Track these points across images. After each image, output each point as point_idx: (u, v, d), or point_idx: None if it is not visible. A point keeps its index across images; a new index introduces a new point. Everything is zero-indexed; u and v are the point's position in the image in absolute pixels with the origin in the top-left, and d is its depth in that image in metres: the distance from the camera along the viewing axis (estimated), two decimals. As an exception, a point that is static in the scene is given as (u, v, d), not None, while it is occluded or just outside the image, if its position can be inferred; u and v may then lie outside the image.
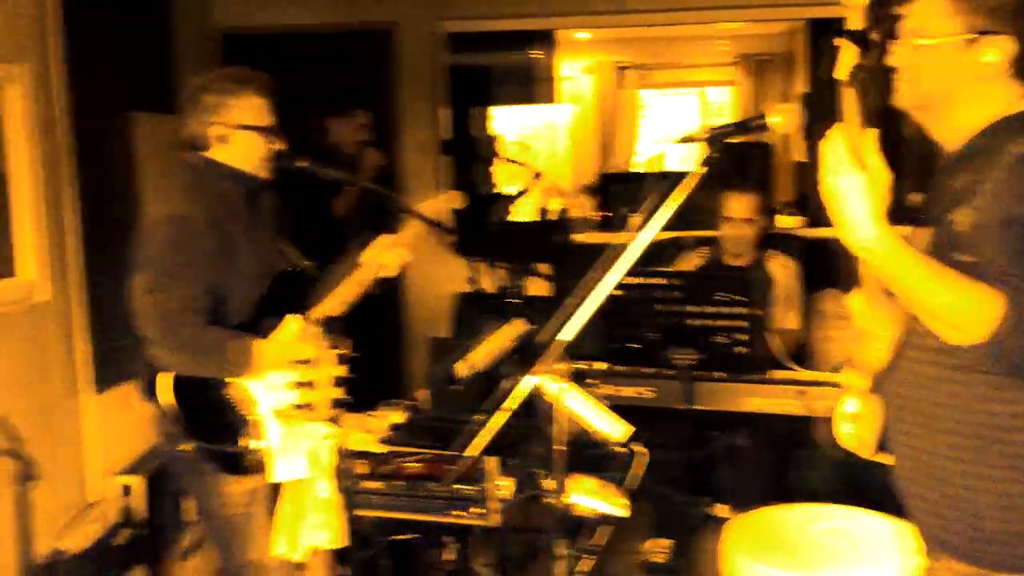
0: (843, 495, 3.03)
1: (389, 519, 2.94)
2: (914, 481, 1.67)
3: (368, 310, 2.67)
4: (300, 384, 1.88)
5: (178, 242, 2.35)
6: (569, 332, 2.08)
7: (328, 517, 1.90)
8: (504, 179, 7.02)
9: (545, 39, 6.60)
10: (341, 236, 4.45)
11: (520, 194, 6.20)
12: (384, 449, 2.79)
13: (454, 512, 3.02)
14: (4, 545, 3.15)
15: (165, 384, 2.38)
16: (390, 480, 3.02)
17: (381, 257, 2.61)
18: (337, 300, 2.52)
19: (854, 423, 1.76)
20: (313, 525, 1.86)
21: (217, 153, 2.50)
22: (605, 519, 2.20)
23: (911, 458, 1.66)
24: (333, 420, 1.90)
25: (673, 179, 1.93)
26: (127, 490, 3.85)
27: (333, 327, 1.87)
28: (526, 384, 2.05)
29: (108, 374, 3.96)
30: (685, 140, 1.90)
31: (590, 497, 2.03)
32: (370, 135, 4.49)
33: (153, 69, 4.67)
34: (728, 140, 1.81)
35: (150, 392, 2.48)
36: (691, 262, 4.08)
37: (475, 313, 4.63)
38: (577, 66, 9.07)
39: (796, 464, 4.00)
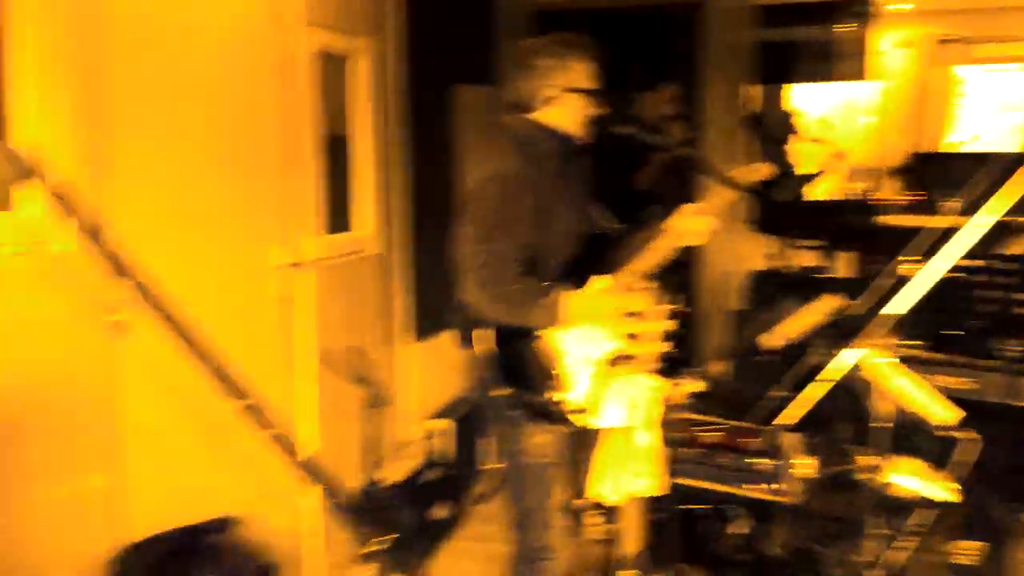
0: None
1: (679, 485, 2.99)
2: None
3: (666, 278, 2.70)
4: (627, 336, 1.95)
5: (501, 199, 2.50)
6: (899, 308, 2.00)
7: (648, 465, 1.97)
8: (805, 158, 6.77)
9: (860, 12, 6.25)
10: (642, 207, 4.52)
11: (820, 173, 5.96)
12: (682, 416, 2.84)
13: (748, 485, 3.02)
14: (352, 465, 3.53)
15: (483, 333, 2.54)
16: (686, 447, 3.06)
17: (688, 224, 2.61)
18: (642, 265, 2.55)
19: None
20: (633, 472, 1.93)
21: (543, 115, 2.63)
22: (925, 503, 2.11)
23: None
24: (657, 372, 1.96)
25: (1000, 161, 1.79)
26: (436, 433, 4.17)
27: (666, 283, 1.91)
28: (844, 360, 2.00)
29: (425, 325, 4.30)
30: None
31: (913, 478, 1.95)
32: (677, 109, 4.49)
33: (475, 44, 4.96)
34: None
35: (467, 341, 2.66)
36: (1020, 247, 3.75)
37: (773, 290, 4.53)
38: (891, 39, 8.51)
39: None
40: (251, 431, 3.27)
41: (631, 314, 1.89)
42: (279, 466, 3.35)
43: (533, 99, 2.62)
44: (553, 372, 2.51)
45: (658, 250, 2.57)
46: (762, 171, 2.66)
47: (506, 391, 2.53)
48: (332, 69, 3.74)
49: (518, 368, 2.55)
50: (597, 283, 2.55)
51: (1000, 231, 3.85)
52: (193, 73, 2.86)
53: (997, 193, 1.86)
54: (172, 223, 2.78)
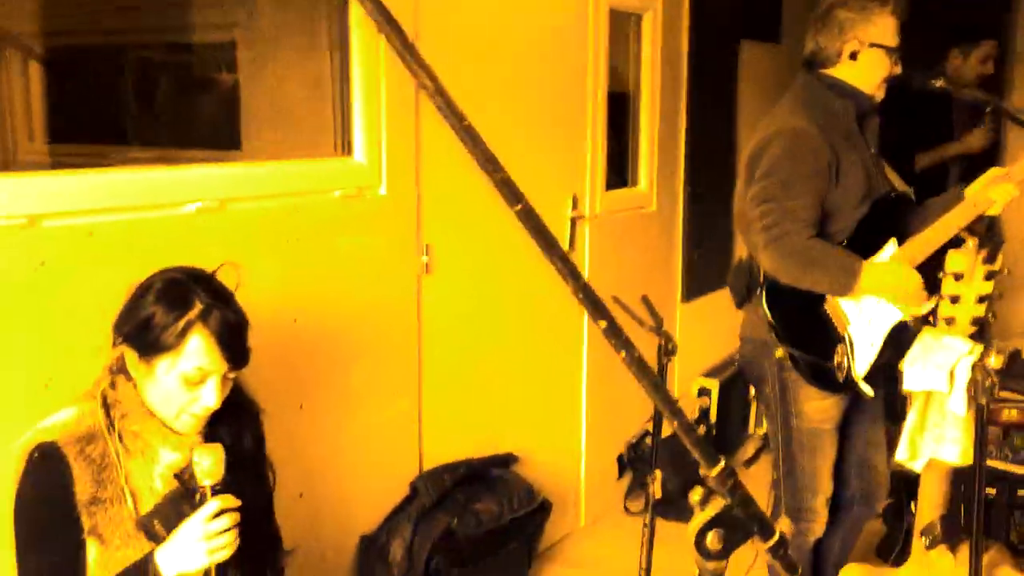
0: None
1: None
2: None
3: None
4: (946, 297, 1.86)
5: (793, 154, 2.41)
6: None
7: (959, 433, 1.89)
8: None
9: None
10: (943, 169, 4.21)
11: None
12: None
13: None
14: (627, 420, 3.62)
15: (764, 291, 2.50)
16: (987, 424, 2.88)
17: (989, 192, 2.41)
18: (938, 233, 2.40)
19: None
20: (940, 438, 1.86)
21: (841, 71, 2.51)
22: None
23: None
24: (974, 338, 1.86)
25: None
26: (705, 391, 4.18)
27: (990, 242, 1.80)
28: None
29: (697, 283, 4.30)
30: None
31: None
32: (992, 70, 4.09)
33: (762, 1, 4.82)
34: None
35: (746, 300, 2.62)
36: None
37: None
38: None
39: None
40: (541, 376, 3.43)
41: (954, 275, 1.79)
42: (557, 409, 3.52)
43: (833, 54, 2.52)
44: (840, 337, 2.44)
45: (957, 217, 2.40)
46: None
47: (784, 351, 2.49)
48: (621, 26, 3.78)
49: (805, 329, 2.50)
50: (892, 249, 2.44)
51: None
52: (498, 31, 3.00)
53: None
54: (476, 172, 2.94)
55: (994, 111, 2.67)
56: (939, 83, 2.52)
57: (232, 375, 1.61)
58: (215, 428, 1.64)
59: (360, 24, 2.47)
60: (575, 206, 3.44)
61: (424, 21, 2.65)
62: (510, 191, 0.92)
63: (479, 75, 2.93)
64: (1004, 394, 2.89)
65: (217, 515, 1.51)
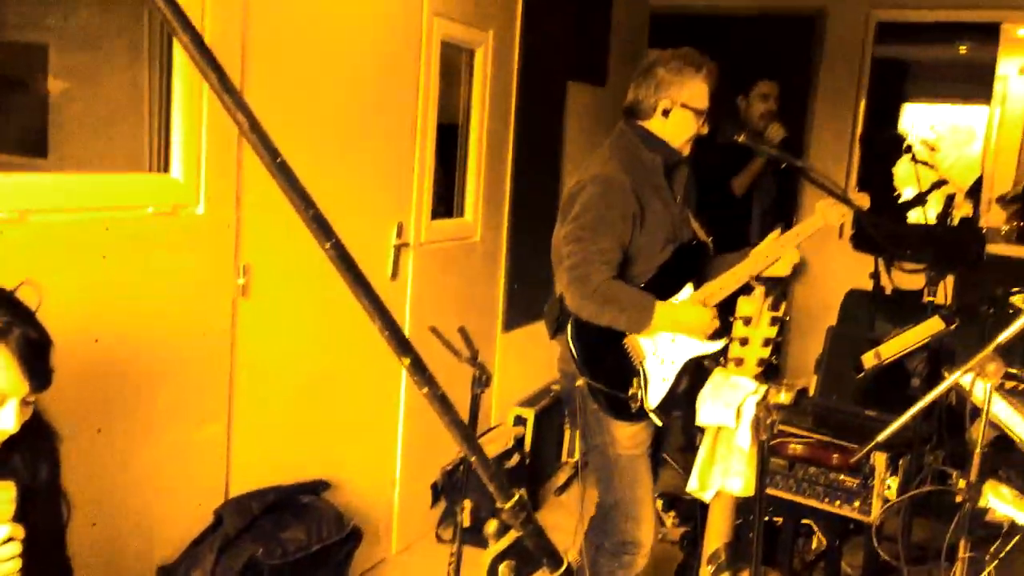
0: None
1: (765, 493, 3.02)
2: None
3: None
4: (736, 339, 2.01)
5: (602, 200, 2.58)
6: (1007, 335, 2.01)
7: (743, 466, 2.03)
8: (909, 179, 6.66)
9: (985, 32, 6.12)
10: (740, 212, 4.55)
11: (927, 192, 5.85)
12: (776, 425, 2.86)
13: (834, 502, 3.03)
14: (437, 447, 3.65)
15: (570, 325, 2.64)
16: (770, 457, 3.09)
17: (832, 210, 2.65)
18: (728, 281, 2.60)
19: None
20: (727, 471, 1.99)
21: (654, 124, 2.70)
22: (1017, 531, 2.11)
23: None
24: (758, 378, 2.01)
25: None
26: (521, 420, 4.27)
27: (775, 290, 1.97)
28: (951, 382, 2.01)
29: (517, 315, 4.40)
30: None
31: (1008, 505, 1.96)
32: (774, 105, 4.52)
33: (590, 43, 5.03)
34: None
35: (556, 332, 2.76)
36: None
37: (870, 310, 4.49)
38: (1012, 65, 8.28)
39: None
40: (357, 403, 3.40)
41: (743, 319, 1.95)
42: (373, 436, 3.50)
43: (648, 108, 2.69)
44: (637, 370, 2.60)
45: (803, 230, 2.63)
46: (861, 201, 2.69)
47: (584, 382, 2.62)
48: (452, 59, 3.85)
49: (604, 361, 2.65)
50: (689, 292, 2.63)
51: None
52: (327, 59, 2.99)
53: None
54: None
55: (781, 162, 2.90)
56: (741, 138, 2.72)
57: (32, 398, 1.53)
58: (10, 455, 1.55)
59: (184, 38, 2.41)
60: (400, 234, 3.47)
61: (253, 47, 2.62)
62: (321, 228, 0.93)
63: (309, 102, 2.92)
64: (791, 429, 3.11)
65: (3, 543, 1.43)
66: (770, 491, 3.08)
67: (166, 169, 2.46)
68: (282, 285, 2.88)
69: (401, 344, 0.97)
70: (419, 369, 0.98)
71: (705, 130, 2.70)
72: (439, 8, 3.52)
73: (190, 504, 2.65)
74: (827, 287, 5.22)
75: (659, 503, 3.97)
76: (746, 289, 2.37)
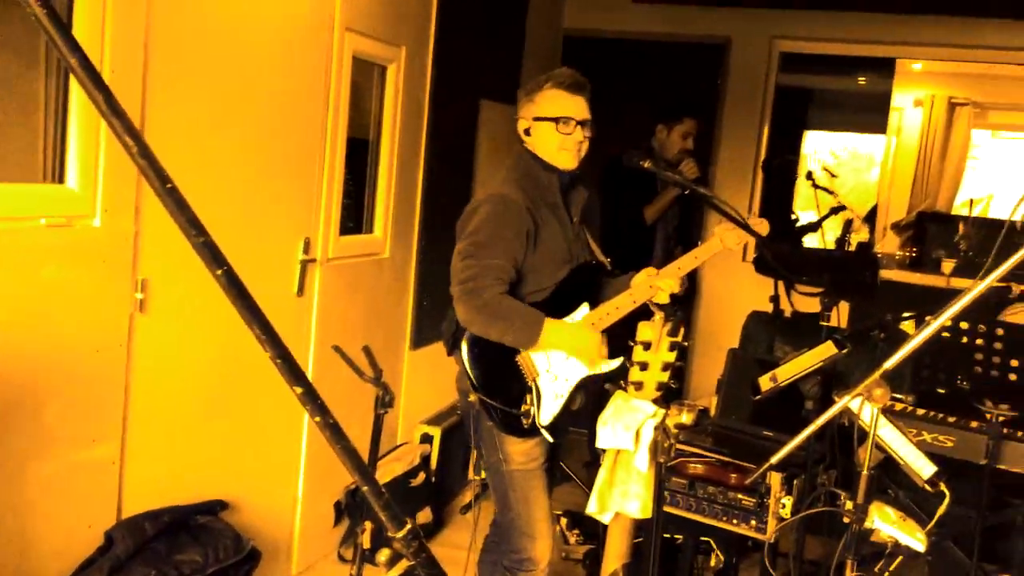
0: None
1: (664, 512, 3.07)
2: None
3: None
4: (636, 364, 2.04)
5: (496, 218, 2.62)
6: (893, 362, 2.08)
7: (641, 489, 2.06)
8: (809, 204, 6.89)
9: (882, 66, 6.39)
10: (646, 236, 4.64)
11: (824, 218, 6.06)
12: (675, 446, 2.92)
13: (731, 520, 3.10)
14: (341, 466, 3.59)
15: (465, 342, 2.66)
16: (670, 476, 3.15)
17: (733, 234, 2.73)
18: (618, 305, 2.65)
19: None
20: (625, 494, 2.02)
21: (529, 144, 2.76)
22: (900, 552, 2.19)
23: None
24: (657, 402, 2.04)
25: (1010, 228, 1.86)
26: (427, 438, 4.25)
27: (673, 316, 2.01)
28: (841, 406, 2.08)
29: (426, 332, 4.38)
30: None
31: (891, 526, 2.04)
32: (692, 144, 4.61)
33: (504, 63, 5.07)
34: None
35: (453, 348, 2.77)
36: (1018, 315, 3.85)
37: (770, 332, 4.62)
38: (908, 98, 8.66)
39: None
40: (258, 421, 3.34)
41: (642, 344, 1.99)
42: (275, 454, 3.44)
43: (521, 133, 2.76)
44: (529, 387, 2.63)
45: (701, 253, 2.69)
46: (761, 227, 2.78)
47: (483, 399, 2.64)
48: (364, 74, 3.83)
49: (497, 378, 2.67)
50: (585, 311, 2.67)
51: (999, 298, 3.98)
52: (235, 71, 2.95)
53: (996, 259, 1.94)
54: (203, 211, 2.86)
55: (685, 188, 2.97)
56: (646, 163, 2.78)
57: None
58: None
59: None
60: (307, 250, 3.42)
61: (155, 60, 2.56)
62: (212, 255, 0.92)
63: (215, 115, 2.87)
64: (691, 448, 3.17)
65: None
66: (670, 509, 3.14)
67: (61, 179, 2.38)
68: (182, 300, 2.81)
69: (293, 373, 0.96)
70: (311, 398, 0.97)
71: (581, 136, 2.71)
72: (351, 23, 3.51)
73: (80, 526, 2.56)
74: (731, 309, 5.35)
75: (563, 521, 4.00)
76: (648, 313, 2.41)
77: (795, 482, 3.08)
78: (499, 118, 4.90)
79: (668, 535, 3.77)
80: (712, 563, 3.68)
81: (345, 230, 3.78)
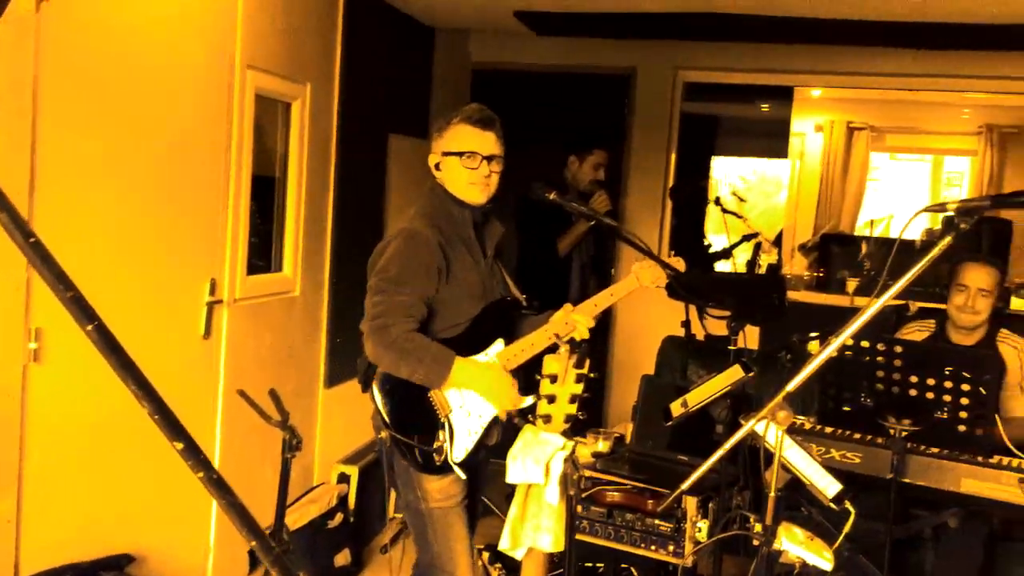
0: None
1: (580, 542, 3.07)
2: None
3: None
4: (543, 397, 2.04)
5: (406, 253, 2.61)
6: (794, 384, 2.13)
7: (552, 522, 2.05)
8: (718, 229, 7.05)
9: (781, 94, 6.60)
10: (561, 268, 4.68)
11: (735, 245, 6.21)
12: (587, 474, 2.93)
13: (649, 546, 3.12)
14: (255, 510, 3.51)
15: (377, 379, 2.63)
16: (589, 505, 3.15)
17: (650, 271, 2.76)
18: (534, 341, 2.65)
19: None
20: (537, 528, 2.01)
21: (440, 179, 2.76)
22: (809, 572, 2.23)
23: None
24: (566, 434, 2.04)
25: (907, 247, 1.93)
26: (344, 478, 4.18)
27: (579, 349, 2.02)
28: (747, 430, 2.12)
29: (341, 370, 4.32)
30: (935, 209, 1.91)
31: (799, 547, 2.07)
32: (603, 175, 4.67)
33: (412, 97, 5.07)
34: (983, 214, 1.81)
35: (366, 385, 2.74)
36: (915, 333, 3.98)
37: (683, 356, 4.68)
38: (809, 123, 8.96)
39: (1007, 556, 3.80)
40: (164, 471, 3.24)
41: (549, 377, 1.99)
42: (184, 502, 3.34)
43: (431, 168, 2.76)
44: (442, 423, 2.61)
45: (617, 291, 2.70)
46: (677, 264, 2.82)
47: (396, 437, 2.62)
48: (268, 112, 3.79)
49: (408, 416, 2.64)
50: (499, 348, 2.67)
51: (898, 316, 4.11)
52: (131, 109, 2.88)
53: (889, 277, 2.00)
54: (102, 253, 2.78)
55: (592, 220, 2.99)
56: (551, 196, 2.79)
57: None
58: None
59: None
60: (213, 291, 3.35)
61: (47, 98, 2.49)
62: (81, 310, 0.89)
63: (112, 155, 2.80)
64: (607, 476, 3.18)
65: None
66: (589, 538, 3.14)
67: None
68: (79, 349, 2.70)
69: (172, 428, 0.93)
70: (192, 453, 0.94)
71: (485, 170, 2.69)
72: (252, 61, 3.47)
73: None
74: (646, 334, 5.41)
75: (485, 556, 3.97)
76: (551, 348, 2.42)
77: (710, 505, 3.12)
78: (409, 152, 4.90)
79: (589, 564, 3.78)
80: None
81: (255, 269, 3.72)
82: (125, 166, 2.87)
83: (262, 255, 3.89)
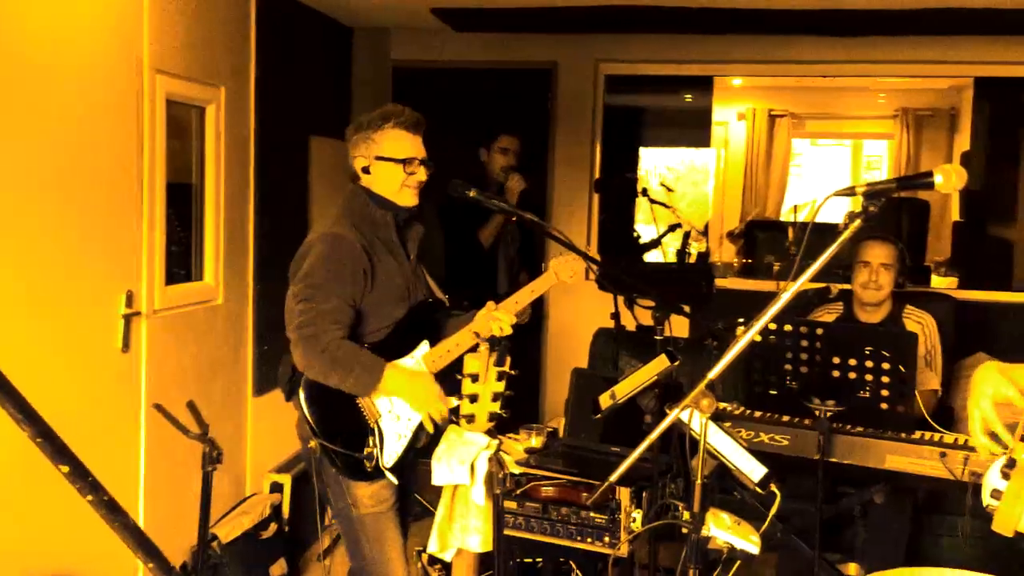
0: (979, 563, 2.95)
1: (518, 538, 3.07)
2: None
3: (511, 338, 2.82)
4: (465, 396, 2.02)
5: (330, 259, 2.57)
6: (716, 371, 2.14)
7: (480, 522, 2.04)
8: (647, 220, 7.11)
9: (702, 84, 6.68)
10: (487, 262, 4.67)
11: (662, 236, 6.27)
12: (520, 470, 2.92)
13: (585, 539, 3.12)
14: (183, 525, 3.43)
15: (303, 387, 2.59)
16: (524, 501, 3.15)
17: (567, 266, 2.77)
18: (458, 342, 2.64)
19: (1000, 499, 1.70)
20: (465, 529, 1.99)
21: (367, 182, 2.73)
22: (737, 556, 2.26)
23: None
24: (491, 433, 2.03)
25: (824, 230, 1.95)
26: (277, 487, 4.11)
27: (499, 346, 2.01)
28: (672, 418, 2.13)
29: (269, 378, 4.25)
30: (846, 193, 1.94)
31: (726, 532, 2.09)
32: (515, 160, 4.70)
33: (332, 98, 5.01)
34: (890, 196, 1.84)
35: (290, 393, 2.70)
36: (824, 315, 4.06)
37: (614, 348, 4.71)
38: (731, 112, 9.09)
39: (932, 527, 3.91)
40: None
41: (470, 376, 1.97)
42: (105, 524, 3.25)
43: (357, 169, 2.73)
44: (371, 429, 2.58)
45: (538, 286, 2.70)
46: (596, 255, 2.84)
47: (324, 444, 2.58)
48: (184, 117, 3.70)
49: (337, 422, 2.61)
50: (425, 349, 2.64)
51: (816, 298, 4.18)
52: (32, 120, 2.79)
53: (812, 261, 2.01)
54: (7, 268, 2.68)
55: (512, 215, 2.98)
56: (471, 193, 2.78)
57: None
58: None
59: None
60: (130, 302, 3.26)
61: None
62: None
63: (13, 166, 2.70)
64: (541, 472, 3.18)
65: None
66: (525, 534, 3.13)
67: None
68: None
69: (57, 451, 0.89)
70: (79, 476, 0.90)
71: (419, 175, 2.71)
72: (161, 65, 3.38)
73: None
74: (579, 328, 5.43)
75: (424, 557, 3.94)
76: (475, 347, 2.41)
77: (644, 495, 3.13)
78: (331, 154, 4.83)
79: (529, 559, 3.78)
80: (574, 583, 3.70)
81: (176, 278, 3.63)
82: (26, 176, 2.77)
83: (183, 264, 3.80)
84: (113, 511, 0.93)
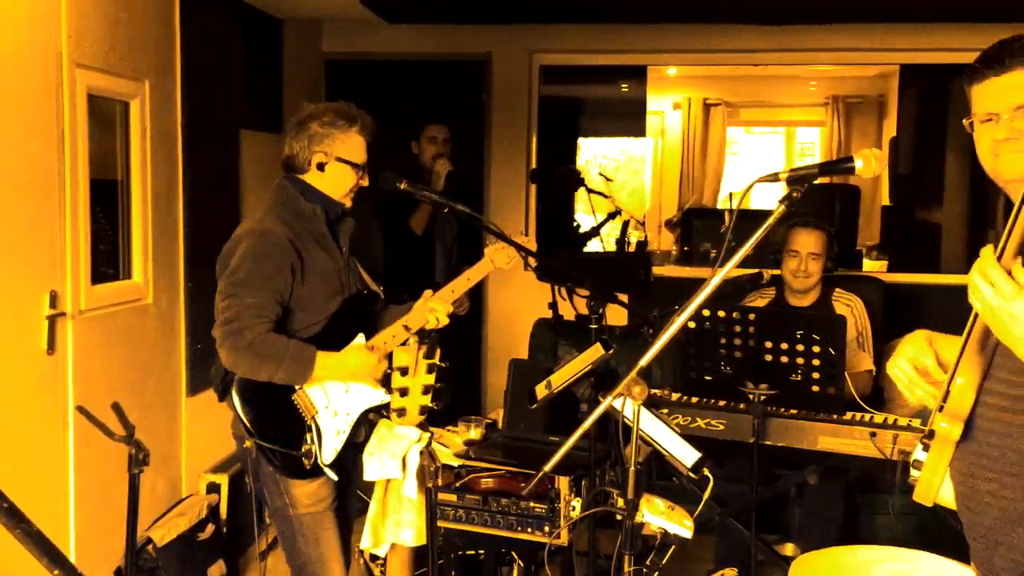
0: (910, 539, 3.03)
1: (459, 531, 3.06)
2: (1001, 530, 1.65)
3: (450, 330, 2.81)
4: (395, 390, 2.01)
5: (256, 254, 2.54)
6: (647, 359, 2.16)
7: (413, 516, 2.02)
8: (586, 209, 7.13)
9: (637, 74, 6.71)
10: (424, 251, 4.66)
11: (601, 225, 6.30)
12: (459, 463, 2.92)
13: (525, 529, 3.13)
14: (117, 529, 3.35)
15: (235, 386, 2.55)
16: (464, 493, 3.14)
17: (502, 253, 2.78)
18: (393, 333, 2.62)
19: (921, 470, 1.73)
20: (399, 523, 1.98)
21: (311, 177, 2.69)
22: (672, 540, 2.28)
23: (999, 507, 1.64)
24: (422, 426, 2.02)
25: (756, 216, 1.97)
26: (214, 487, 4.05)
27: (428, 339, 2.00)
28: (604, 407, 2.14)
29: (202, 377, 4.17)
30: (770, 179, 1.96)
31: (659, 517, 2.10)
32: (444, 148, 4.71)
33: (263, 91, 4.92)
34: (813, 181, 1.87)
35: (223, 393, 2.66)
36: (757, 300, 4.12)
37: (553, 338, 4.72)
38: (667, 101, 9.16)
39: (865, 506, 3.99)
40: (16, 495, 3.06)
41: (399, 369, 1.96)
42: (43, 526, 3.16)
43: (304, 162, 2.68)
44: (309, 425, 2.55)
45: (473, 274, 2.69)
46: (530, 243, 2.84)
47: (259, 444, 2.55)
48: (108, 111, 3.61)
49: (272, 420, 2.58)
50: (360, 341, 2.62)
51: (752, 284, 4.24)
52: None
53: (738, 247, 2.03)
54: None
55: (444, 206, 2.96)
56: (402, 185, 2.76)
57: None
58: None
59: None
60: (54, 303, 3.17)
61: None
62: None
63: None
64: (480, 464, 3.17)
65: None
66: (466, 527, 3.12)
67: None
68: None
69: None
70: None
71: (365, 182, 2.73)
72: (81, 59, 3.29)
73: None
74: (519, 318, 5.43)
75: (367, 552, 3.91)
76: (405, 341, 2.40)
77: (583, 483, 3.14)
78: (263, 147, 4.76)
79: (472, 551, 3.77)
80: (516, 574, 3.70)
81: (104, 277, 3.55)
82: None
83: (111, 263, 3.71)
84: (14, 518, 0.89)
